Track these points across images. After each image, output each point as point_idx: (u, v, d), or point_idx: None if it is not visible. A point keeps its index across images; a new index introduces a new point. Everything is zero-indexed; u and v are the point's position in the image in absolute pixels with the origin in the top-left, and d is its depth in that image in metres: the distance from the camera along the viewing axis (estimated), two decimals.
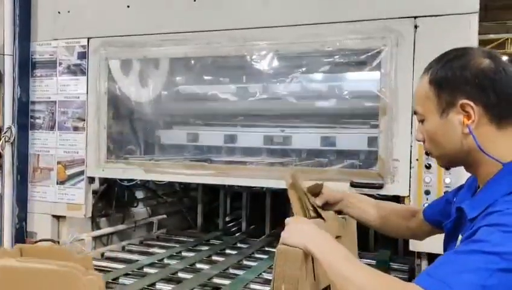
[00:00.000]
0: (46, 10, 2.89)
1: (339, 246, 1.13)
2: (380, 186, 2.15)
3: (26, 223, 2.87)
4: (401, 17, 2.11)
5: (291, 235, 1.20)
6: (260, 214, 3.56)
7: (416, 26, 2.09)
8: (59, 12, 2.84)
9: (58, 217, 2.91)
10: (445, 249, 1.24)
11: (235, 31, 2.45)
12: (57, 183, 2.86)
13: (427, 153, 1.28)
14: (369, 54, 2.20)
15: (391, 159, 2.13)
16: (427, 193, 2.06)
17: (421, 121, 1.18)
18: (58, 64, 2.86)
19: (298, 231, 1.20)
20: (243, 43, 2.45)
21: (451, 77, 1.10)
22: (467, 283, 0.89)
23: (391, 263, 2.63)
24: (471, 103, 1.06)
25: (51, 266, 1.21)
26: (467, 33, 2.01)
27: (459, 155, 1.12)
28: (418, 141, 1.23)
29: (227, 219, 3.91)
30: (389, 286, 0.97)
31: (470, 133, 1.07)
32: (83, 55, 2.79)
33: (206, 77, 3.07)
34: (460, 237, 1.11)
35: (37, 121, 2.92)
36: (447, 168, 1.29)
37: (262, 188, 3.11)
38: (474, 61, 1.09)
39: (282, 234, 1.23)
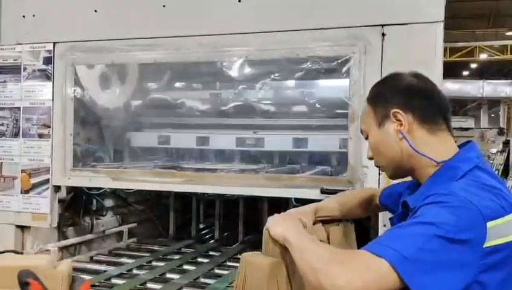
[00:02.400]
0: (10, 14, 2.80)
1: (310, 235, 1.25)
2: None
3: None
4: (369, 25, 2.14)
5: (275, 224, 1.32)
6: (233, 221, 3.53)
7: (383, 34, 2.11)
8: (24, 16, 2.76)
9: (22, 227, 2.80)
10: None
11: (206, 37, 2.43)
12: (21, 193, 2.76)
13: (377, 167, 1.38)
14: (339, 61, 2.22)
15: (360, 166, 2.15)
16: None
17: (366, 137, 1.33)
18: (22, 69, 2.77)
19: (282, 221, 1.33)
20: (213, 49, 2.43)
21: (383, 92, 1.29)
22: (406, 245, 0.98)
23: None
24: (401, 111, 1.23)
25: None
26: (432, 41, 2.05)
27: (401, 161, 1.26)
28: (369, 158, 1.37)
29: (200, 226, 3.86)
30: (341, 253, 1.07)
31: (403, 137, 1.22)
32: (48, 60, 2.71)
33: (176, 83, 3.04)
34: None
35: (0, 128, 2.81)
36: (396, 178, 1.41)
37: (233, 195, 3.08)
38: (402, 79, 1.29)
39: (269, 219, 1.37)
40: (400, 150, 1.24)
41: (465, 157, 1.21)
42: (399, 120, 1.23)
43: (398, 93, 1.25)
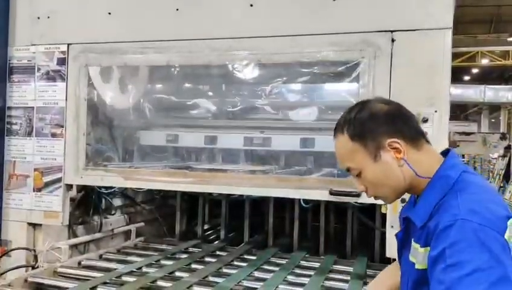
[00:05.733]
0: (24, 15, 2.86)
1: None
2: (358, 195, 2.20)
3: (0, 231, 2.81)
4: (379, 31, 2.19)
5: None
6: (239, 222, 3.58)
7: (393, 40, 2.16)
8: (38, 18, 2.81)
9: (34, 225, 2.85)
10: (400, 254, 1.40)
11: (217, 40, 2.48)
12: (34, 191, 2.81)
13: (376, 198, 1.37)
14: (348, 65, 2.27)
15: None
16: (403, 201, 2.11)
17: (358, 174, 1.31)
18: (36, 69, 2.82)
19: None
20: (224, 52, 2.48)
21: (367, 127, 1.27)
22: None
23: (368, 270, 2.69)
24: (395, 139, 1.25)
25: None
26: (440, 47, 2.10)
27: (403, 185, 1.28)
28: (361, 191, 1.35)
29: (205, 226, 3.90)
30: None
31: (406, 163, 1.25)
32: (62, 61, 2.77)
33: (187, 85, 3.09)
34: (413, 242, 1.26)
35: (14, 127, 2.87)
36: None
37: (242, 196, 3.12)
38: (376, 108, 1.29)
39: None
40: (402, 175, 1.26)
41: (451, 165, 1.27)
42: (395, 147, 1.24)
43: (383, 122, 1.26)
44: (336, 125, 1.33)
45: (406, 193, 1.34)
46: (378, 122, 1.26)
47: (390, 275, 1.65)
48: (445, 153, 1.32)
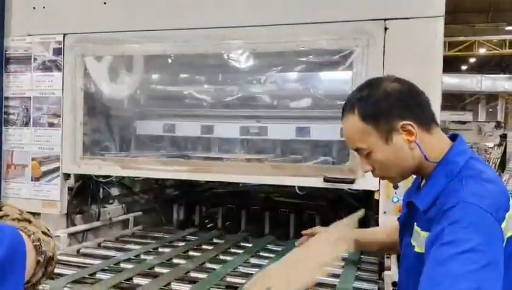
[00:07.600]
0: (20, 5, 2.85)
1: None
2: (352, 181, 2.23)
3: None
4: (372, 19, 2.21)
5: None
6: (236, 211, 3.61)
7: (386, 28, 2.18)
8: (34, 8, 2.82)
9: (33, 214, 2.86)
10: (401, 238, 1.40)
11: (213, 29, 2.50)
12: (32, 180, 2.83)
13: (383, 178, 1.39)
14: (342, 54, 2.29)
15: None
16: (396, 187, 2.15)
17: (367, 154, 1.29)
18: (33, 60, 2.84)
19: None
20: (220, 41, 2.50)
21: (380, 107, 1.25)
22: (468, 286, 1.02)
23: (362, 256, 2.73)
24: (407, 122, 1.23)
25: None
26: (433, 35, 2.12)
27: (412, 167, 1.28)
28: (367, 172, 1.34)
29: (203, 215, 3.94)
30: None
31: (417, 146, 1.24)
32: (58, 51, 2.78)
33: (182, 75, 3.10)
34: (416, 226, 1.27)
35: (11, 117, 2.89)
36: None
37: (238, 184, 3.15)
38: (390, 88, 1.25)
39: None
40: (412, 158, 1.26)
41: (459, 151, 1.27)
42: (407, 130, 1.23)
43: (397, 103, 1.24)
44: (346, 104, 1.29)
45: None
46: (392, 103, 1.23)
47: (375, 230, 1.76)
48: (452, 138, 1.32)
